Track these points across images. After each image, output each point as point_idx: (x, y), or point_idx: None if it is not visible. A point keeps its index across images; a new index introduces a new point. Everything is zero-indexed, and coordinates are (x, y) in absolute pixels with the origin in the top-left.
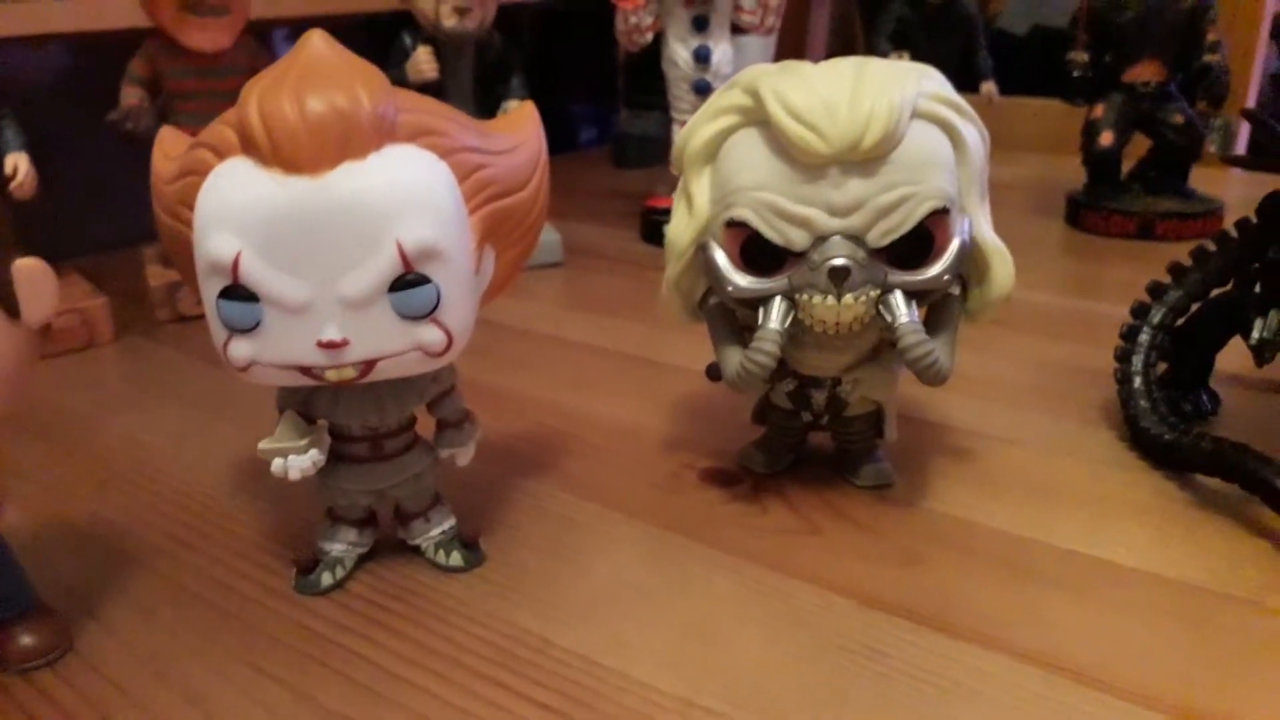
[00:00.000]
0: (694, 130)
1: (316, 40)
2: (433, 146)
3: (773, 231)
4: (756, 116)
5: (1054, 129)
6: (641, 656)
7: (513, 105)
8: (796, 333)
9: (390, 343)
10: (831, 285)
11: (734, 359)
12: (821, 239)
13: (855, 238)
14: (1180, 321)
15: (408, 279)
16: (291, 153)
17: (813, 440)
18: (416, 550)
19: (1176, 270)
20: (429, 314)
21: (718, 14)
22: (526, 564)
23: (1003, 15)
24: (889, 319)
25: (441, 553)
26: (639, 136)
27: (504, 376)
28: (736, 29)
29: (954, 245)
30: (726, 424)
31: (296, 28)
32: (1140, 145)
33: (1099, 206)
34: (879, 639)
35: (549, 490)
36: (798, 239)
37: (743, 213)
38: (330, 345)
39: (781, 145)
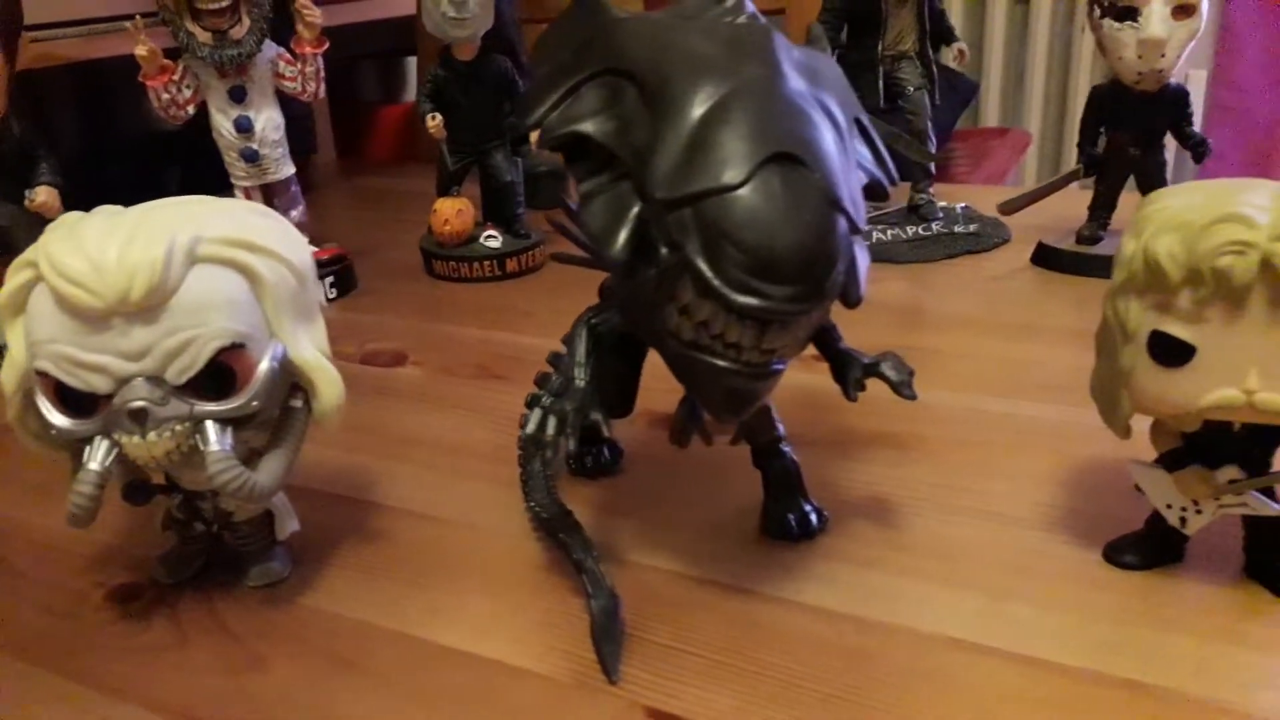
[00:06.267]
0: (5, 283)
1: None
2: None
3: (74, 379)
4: None
5: None
6: None
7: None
8: None
9: None
10: (135, 425)
11: None
12: (124, 381)
13: (156, 378)
14: None
15: None
16: None
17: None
18: None
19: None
20: None
21: (255, 84)
22: None
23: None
24: (202, 448)
25: None
26: None
27: None
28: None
29: (260, 372)
30: (158, 530)
31: None
32: None
33: None
34: None
35: None
36: (100, 384)
37: (44, 364)
38: None
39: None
